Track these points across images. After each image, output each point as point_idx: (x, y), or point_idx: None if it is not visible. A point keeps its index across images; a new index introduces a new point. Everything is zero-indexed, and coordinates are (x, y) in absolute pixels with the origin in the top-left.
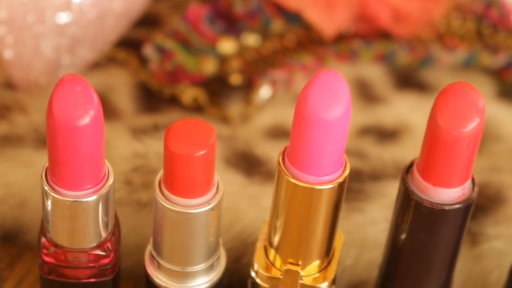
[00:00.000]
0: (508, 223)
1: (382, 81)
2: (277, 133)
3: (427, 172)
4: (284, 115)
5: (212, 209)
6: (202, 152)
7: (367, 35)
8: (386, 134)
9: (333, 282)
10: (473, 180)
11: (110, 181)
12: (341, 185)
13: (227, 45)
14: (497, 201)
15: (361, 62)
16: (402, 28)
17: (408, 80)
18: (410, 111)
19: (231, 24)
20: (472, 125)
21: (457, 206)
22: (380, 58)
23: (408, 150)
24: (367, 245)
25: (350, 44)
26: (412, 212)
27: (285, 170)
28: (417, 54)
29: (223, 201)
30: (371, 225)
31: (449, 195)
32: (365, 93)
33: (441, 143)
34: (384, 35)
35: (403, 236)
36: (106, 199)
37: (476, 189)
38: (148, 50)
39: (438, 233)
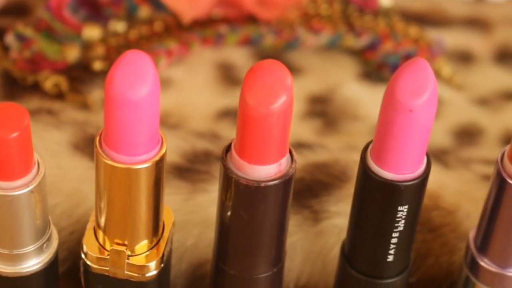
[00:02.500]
0: (350, 200)
1: (246, 65)
2: None
3: (242, 150)
4: None
5: (31, 191)
6: (14, 135)
7: (235, 19)
8: None
9: (162, 260)
10: (291, 156)
11: None
12: (158, 164)
13: (92, 32)
14: (343, 179)
15: (227, 46)
16: (268, 12)
17: None
18: None
19: (96, 11)
20: (279, 102)
21: (274, 182)
22: (246, 42)
23: None
24: (209, 224)
25: (216, 28)
26: (232, 190)
27: (101, 152)
28: (284, 37)
29: (45, 183)
30: (214, 205)
31: (265, 171)
32: (228, 77)
33: (251, 121)
34: (252, 20)
35: (228, 214)
36: None
37: (294, 165)
38: (9, 39)
39: (257, 209)
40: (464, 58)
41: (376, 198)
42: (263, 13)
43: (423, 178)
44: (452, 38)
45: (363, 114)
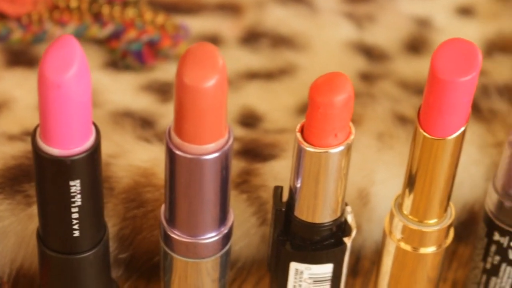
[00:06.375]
0: None
1: None
2: None
3: None
4: None
5: None
6: None
7: None
8: None
9: None
10: None
11: None
12: None
13: None
14: None
15: None
16: (16, 8)
17: (19, 58)
18: (16, 87)
19: None
20: None
21: None
22: None
23: (8, 123)
24: None
25: None
26: None
27: None
28: (32, 31)
29: None
30: None
31: None
32: None
33: None
34: (1, 16)
35: None
36: None
37: None
38: None
39: None
40: (211, 42)
41: (48, 175)
42: (10, 9)
43: (91, 151)
44: (204, 24)
45: (105, 100)
